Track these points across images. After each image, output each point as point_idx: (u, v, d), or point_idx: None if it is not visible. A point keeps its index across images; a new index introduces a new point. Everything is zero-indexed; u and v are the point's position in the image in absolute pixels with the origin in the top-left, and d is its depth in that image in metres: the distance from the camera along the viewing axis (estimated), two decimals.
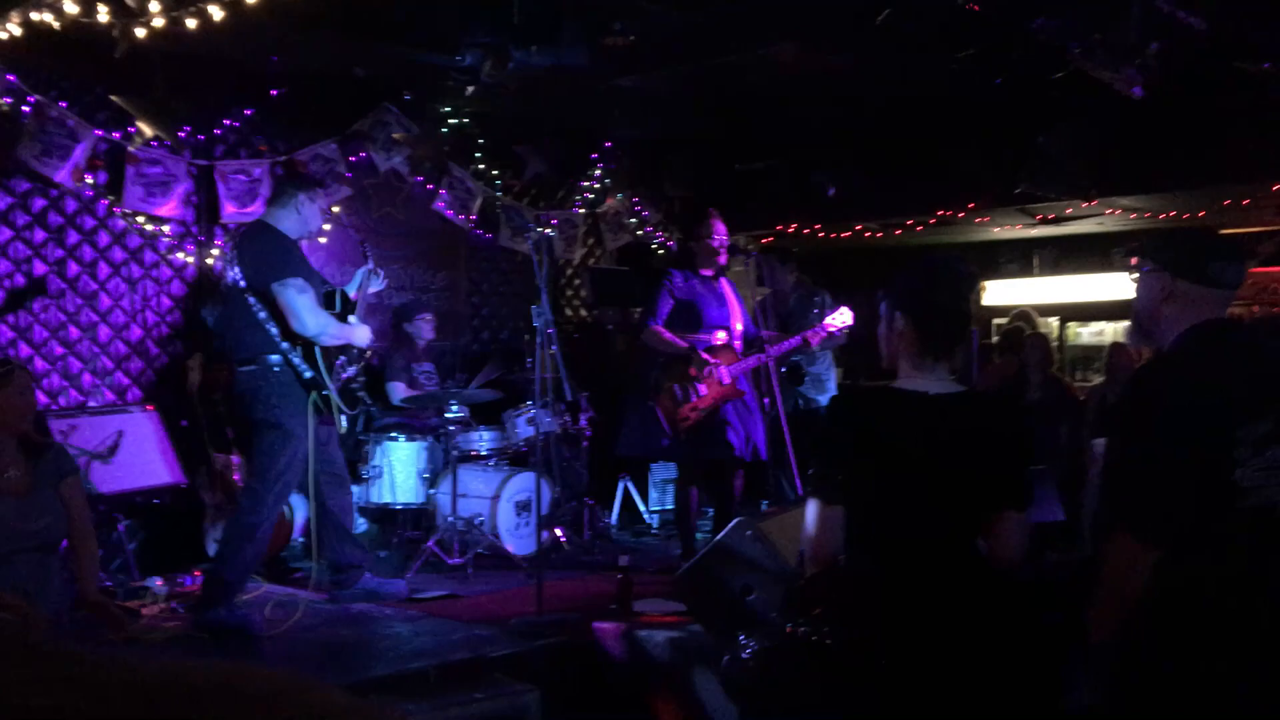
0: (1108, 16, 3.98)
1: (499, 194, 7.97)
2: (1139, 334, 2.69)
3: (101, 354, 6.23)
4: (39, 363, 5.98)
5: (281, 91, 6.68)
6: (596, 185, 8.60)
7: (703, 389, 5.93)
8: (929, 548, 2.57)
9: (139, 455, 5.86)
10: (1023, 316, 8.35)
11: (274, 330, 4.96)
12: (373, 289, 5.56)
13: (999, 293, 10.93)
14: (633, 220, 8.87)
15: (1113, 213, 8.28)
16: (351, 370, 5.20)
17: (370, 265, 5.52)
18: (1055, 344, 10.34)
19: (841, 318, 6.04)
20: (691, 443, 6.02)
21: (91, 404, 6.09)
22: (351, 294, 5.38)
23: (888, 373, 2.78)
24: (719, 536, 4.47)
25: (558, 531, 6.65)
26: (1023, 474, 2.62)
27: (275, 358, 5.01)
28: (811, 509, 2.61)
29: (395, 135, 7.19)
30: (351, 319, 5.31)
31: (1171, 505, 2.34)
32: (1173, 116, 6.53)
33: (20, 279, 5.92)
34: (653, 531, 7.72)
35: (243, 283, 4.98)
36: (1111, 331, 10.11)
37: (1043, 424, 7.23)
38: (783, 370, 6.52)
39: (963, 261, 2.70)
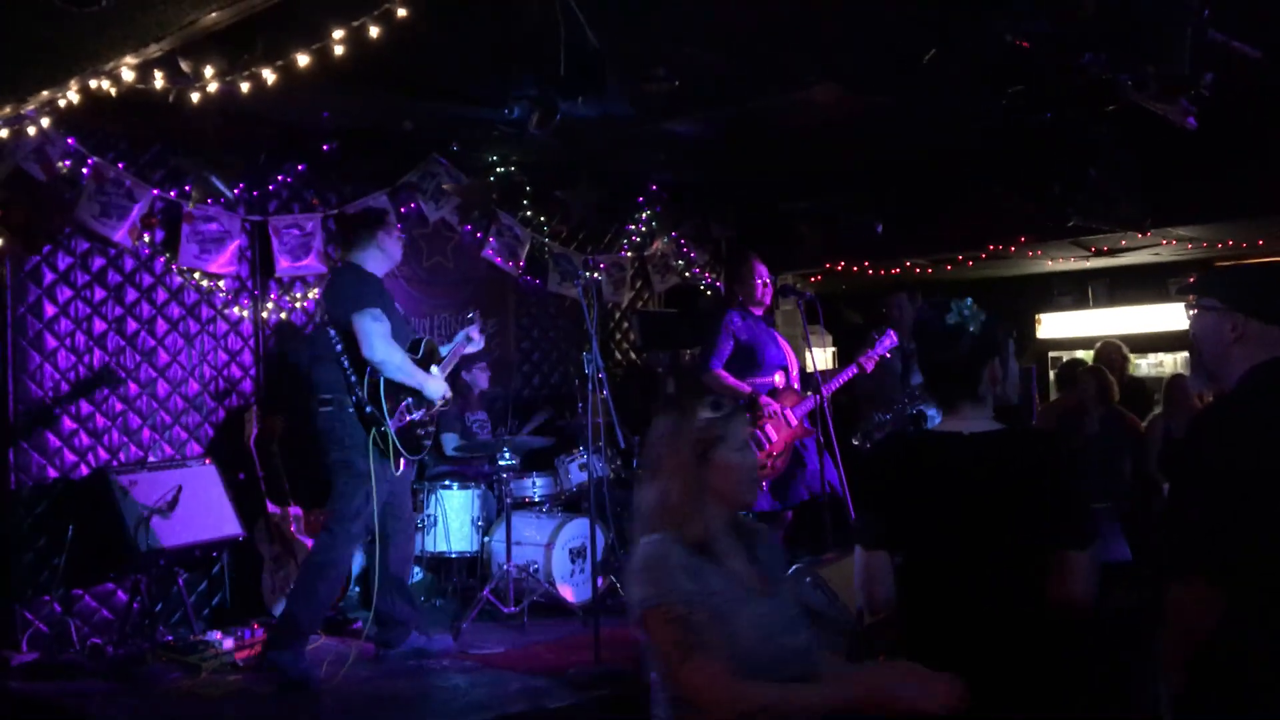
0: (1160, 48, 3.93)
1: (547, 240, 8.01)
2: (1205, 376, 2.63)
3: (160, 409, 6.31)
4: (99, 419, 6.07)
5: (332, 146, 6.78)
6: (643, 228, 8.63)
7: (773, 434, 5.90)
8: (978, 590, 2.53)
9: (198, 509, 5.92)
10: (1112, 348, 8.09)
11: (347, 364, 5.05)
12: (468, 349, 5.70)
13: (1054, 325, 10.78)
14: (680, 262, 8.88)
15: (1168, 243, 8.15)
16: (418, 414, 5.21)
17: (474, 326, 5.63)
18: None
19: (889, 339, 6.11)
20: (783, 488, 5.98)
21: (151, 459, 6.17)
22: (444, 350, 5.51)
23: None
24: None
25: (613, 577, 6.60)
26: (1077, 511, 2.56)
27: (351, 398, 5.07)
28: (857, 556, 2.63)
29: (445, 185, 7.27)
30: (434, 369, 5.37)
31: (1237, 546, 2.31)
32: (1228, 145, 6.43)
33: (81, 337, 6.03)
34: None
35: (326, 318, 5.15)
36: (1171, 363, 9.93)
37: (1104, 459, 7.08)
38: (912, 412, 6.50)
39: (949, 308, 2.67)
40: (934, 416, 6.84)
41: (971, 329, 2.63)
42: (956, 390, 2.63)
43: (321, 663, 5.19)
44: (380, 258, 5.34)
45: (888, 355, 6.24)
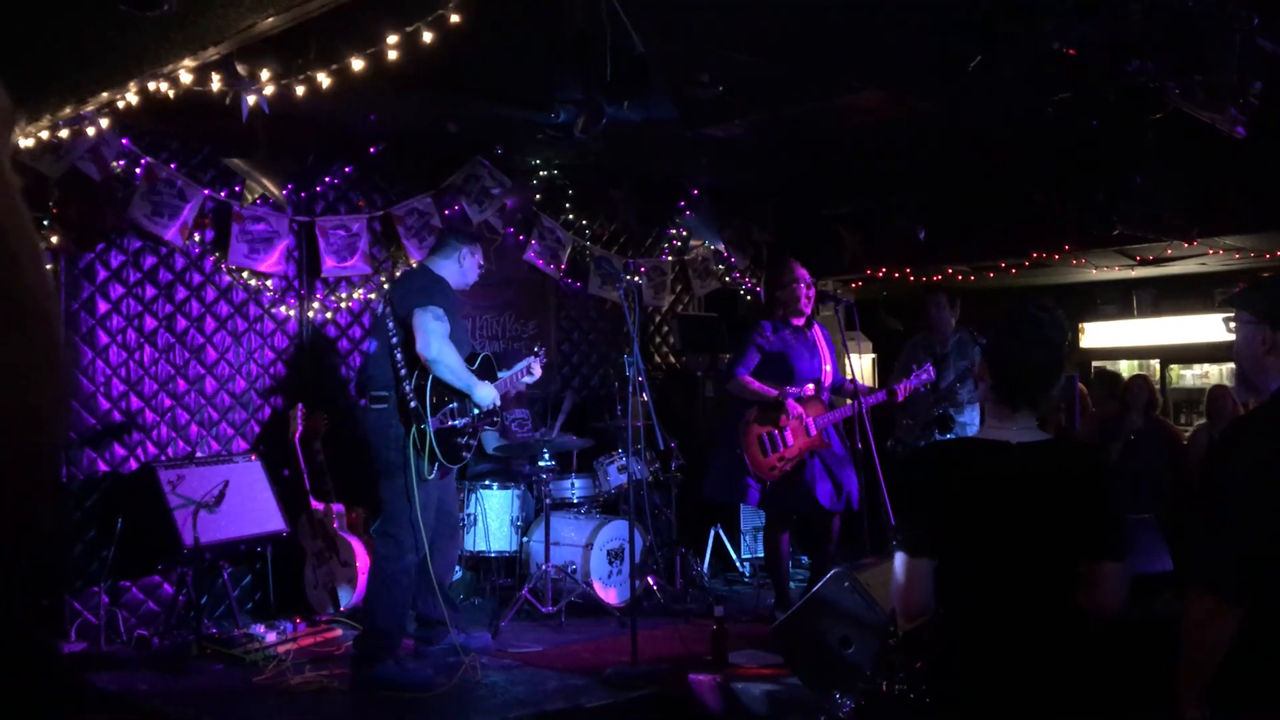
0: (1208, 56, 3.90)
1: (588, 243, 8.06)
2: (1244, 386, 2.63)
3: (207, 405, 6.42)
4: (148, 414, 6.19)
5: (379, 148, 6.87)
6: (684, 232, 8.65)
7: (790, 439, 5.93)
8: (1019, 599, 2.54)
9: (244, 504, 6.02)
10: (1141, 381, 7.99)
11: (399, 358, 5.01)
12: (526, 380, 5.59)
13: (1097, 335, 10.69)
14: (720, 266, 8.91)
15: (1215, 253, 8.06)
16: (460, 421, 5.13)
17: (538, 360, 5.58)
18: (1157, 386, 10.06)
19: (926, 374, 6.09)
20: (778, 493, 6.01)
21: (199, 454, 6.28)
22: (503, 374, 5.42)
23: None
24: (816, 588, 4.42)
25: (650, 580, 6.64)
26: (1114, 523, 2.58)
27: (397, 393, 5.01)
28: (898, 562, 2.62)
29: (489, 188, 7.34)
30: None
31: (1253, 562, 2.30)
32: (1277, 153, 6.37)
33: (132, 334, 6.15)
34: (745, 579, 7.67)
35: (388, 310, 5.12)
36: (1215, 374, 9.82)
37: (1145, 468, 7.03)
38: (936, 414, 6.49)
39: (1050, 311, 2.67)
40: (963, 418, 6.83)
41: (1063, 337, 2.66)
42: (1031, 394, 2.62)
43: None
44: (456, 271, 5.33)
45: (921, 389, 6.24)
